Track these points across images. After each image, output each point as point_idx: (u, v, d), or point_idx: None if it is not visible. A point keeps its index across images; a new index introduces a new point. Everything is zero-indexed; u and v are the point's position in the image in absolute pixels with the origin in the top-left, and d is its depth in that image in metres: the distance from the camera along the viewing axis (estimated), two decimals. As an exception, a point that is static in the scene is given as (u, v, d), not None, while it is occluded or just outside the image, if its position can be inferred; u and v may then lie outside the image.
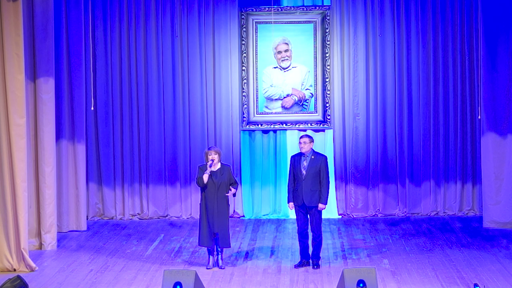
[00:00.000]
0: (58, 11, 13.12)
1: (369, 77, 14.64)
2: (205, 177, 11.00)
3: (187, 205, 14.81)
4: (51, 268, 11.29)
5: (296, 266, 11.18)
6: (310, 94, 14.74)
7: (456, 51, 14.57)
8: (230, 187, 11.15)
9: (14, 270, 11.07)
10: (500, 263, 11.20)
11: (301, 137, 11.22)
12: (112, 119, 14.67)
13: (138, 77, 14.61)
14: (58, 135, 13.26)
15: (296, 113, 14.77)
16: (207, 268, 11.08)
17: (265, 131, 14.88)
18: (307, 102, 14.76)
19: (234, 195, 11.37)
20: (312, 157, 11.10)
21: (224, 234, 11.10)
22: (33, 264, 11.14)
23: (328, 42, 14.62)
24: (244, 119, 14.77)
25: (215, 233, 11.06)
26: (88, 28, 13.60)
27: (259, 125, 14.80)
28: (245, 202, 14.85)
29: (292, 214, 14.04)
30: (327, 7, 14.63)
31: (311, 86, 14.73)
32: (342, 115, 14.72)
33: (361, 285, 8.78)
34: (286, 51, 14.70)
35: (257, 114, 14.78)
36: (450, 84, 14.62)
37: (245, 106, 14.75)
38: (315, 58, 14.68)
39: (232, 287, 10.28)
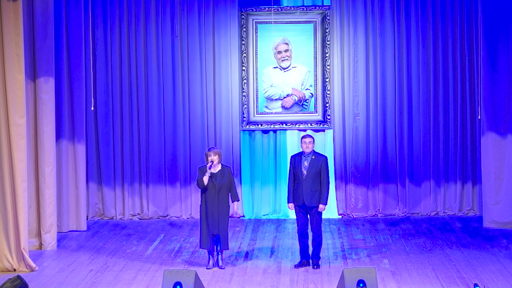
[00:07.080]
0: (58, 11, 13.11)
1: (369, 77, 14.64)
2: (205, 179, 10.97)
3: (187, 205, 14.81)
4: (51, 268, 11.29)
5: (296, 266, 11.18)
6: (310, 94, 14.74)
7: (456, 51, 14.56)
8: (232, 200, 11.12)
9: (14, 270, 11.06)
10: (500, 263, 11.20)
11: (305, 136, 11.17)
12: (112, 119, 14.67)
13: (138, 77, 14.61)
14: (58, 135, 13.25)
15: (296, 113, 14.76)
16: (207, 268, 11.07)
17: (265, 131, 14.88)
18: (307, 102, 14.75)
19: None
20: (313, 157, 11.08)
21: (224, 236, 11.09)
22: (33, 264, 11.14)
23: (328, 42, 14.62)
24: (244, 119, 14.77)
25: (214, 235, 11.05)
26: (88, 28, 13.60)
27: (259, 125, 14.79)
28: (245, 202, 14.85)
29: (292, 214, 14.03)
30: (327, 7, 14.63)
31: (311, 86, 14.73)
32: (342, 115, 14.71)
33: (361, 285, 8.78)
34: (286, 51, 14.70)
35: (257, 114, 14.78)
36: (450, 84, 14.62)
37: (245, 106, 14.74)
38: (315, 58, 14.68)
39: (232, 287, 10.28)
